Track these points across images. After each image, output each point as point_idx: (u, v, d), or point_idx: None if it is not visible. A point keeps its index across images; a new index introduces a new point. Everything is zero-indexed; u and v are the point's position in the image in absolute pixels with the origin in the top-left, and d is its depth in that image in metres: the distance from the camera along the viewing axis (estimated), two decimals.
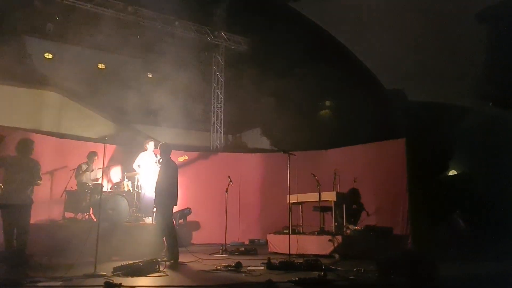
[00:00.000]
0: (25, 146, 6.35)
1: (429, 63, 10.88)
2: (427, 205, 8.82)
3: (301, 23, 12.60)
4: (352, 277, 5.07)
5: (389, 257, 5.36)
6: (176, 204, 6.91)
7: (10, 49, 11.56)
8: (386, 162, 9.49)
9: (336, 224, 8.14)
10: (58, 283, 4.41)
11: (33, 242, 7.29)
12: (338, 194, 8.17)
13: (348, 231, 7.99)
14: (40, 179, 6.44)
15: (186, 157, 8.90)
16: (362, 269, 5.41)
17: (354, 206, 8.74)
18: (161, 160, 6.97)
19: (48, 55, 13.64)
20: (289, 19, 12.57)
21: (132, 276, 4.95)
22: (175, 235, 6.69)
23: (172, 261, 6.27)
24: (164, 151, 6.99)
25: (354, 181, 8.93)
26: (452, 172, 11.02)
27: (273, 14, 12.72)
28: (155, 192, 6.82)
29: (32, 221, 6.94)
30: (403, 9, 10.74)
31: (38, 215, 7.67)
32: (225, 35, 13.09)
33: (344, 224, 8.04)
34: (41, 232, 7.18)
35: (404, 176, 9.04)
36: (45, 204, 8.58)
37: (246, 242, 10.39)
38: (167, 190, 6.73)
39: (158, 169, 7.03)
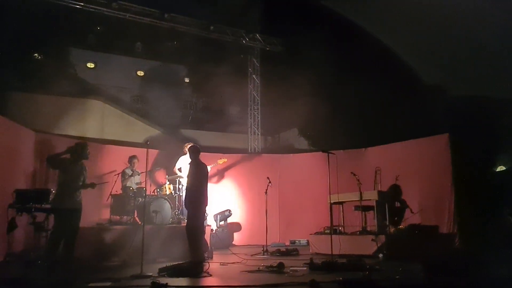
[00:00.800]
0: (81, 149, 6.30)
1: (472, 55, 10.46)
2: (474, 203, 8.46)
3: (336, 20, 12.45)
4: (397, 277, 4.95)
5: (436, 257, 5.20)
6: (205, 205, 6.92)
7: (56, 61, 12.14)
8: (430, 159, 9.19)
9: (378, 223, 7.97)
10: (107, 284, 4.55)
11: (81, 244, 7.60)
12: (380, 193, 8.01)
13: (392, 231, 7.80)
14: (92, 185, 6.43)
15: (225, 160, 9.00)
16: (408, 270, 5.27)
17: (397, 204, 8.53)
18: (190, 162, 7.00)
19: (90, 65, 14.21)
20: (323, 17, 12.44)
21: (177, 276, 5.05)
22: (200, 237, 6.64)
23: (194, 262, 6.10)
24: (193, 152, 7.03)
25: (396, 179, 8.71)
26: (501, 168, 10.54)
27: (307, 13, 12.65)
28: (185, 194, 6.87)
29: (80, 224, 7.22)
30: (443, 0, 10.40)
31: (85, 219, 7.96)
32: (259, 37, 13.14)
33: (387, 223, 7.86)
34: (89, 235, 7.46)
35: (449, 172, 8.72)
36: (92, 208, 8.91)
37: (287, 243, 10.36)
38: (196, 192, 6.75)
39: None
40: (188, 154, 9.08)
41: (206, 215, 7.41)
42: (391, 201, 8.19)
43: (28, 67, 11.77)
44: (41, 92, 11.34)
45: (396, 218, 8.32)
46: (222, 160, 8.56)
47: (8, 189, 6.68)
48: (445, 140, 8.99)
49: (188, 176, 6.94)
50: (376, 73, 11.27)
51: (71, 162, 6.16)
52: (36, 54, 12.65)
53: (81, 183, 6.13)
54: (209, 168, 7.75)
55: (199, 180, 6.84)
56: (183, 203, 7.03)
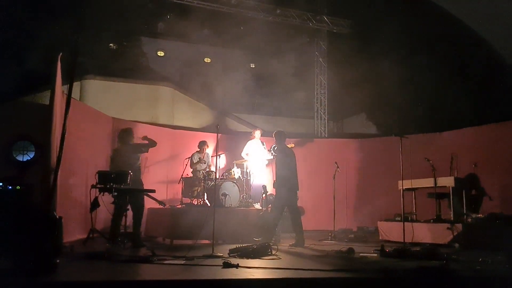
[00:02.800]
0: (125, 134, 6.82)
1: None
2: None
3: None
4: (478, 267, 4.67)
5: None
6: (296, 190, 7.08)
7: (130, 50, 12.74)
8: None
9: (454, 211, 7.55)
10: (182, 262, 4.74)
11: (155, 224, 8.01)
12: (456, 179, 7.57)
13: (469, 219, 7.36)
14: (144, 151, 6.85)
15: (293, 145, 8.95)
16: (489, 260, 4.94)
17: (474, 191, 8.04)
18: (276, 147, 7.10)
19: (160, 53, 14.74)
20: None
21: (247, 258, 5.13)
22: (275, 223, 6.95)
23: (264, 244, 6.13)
24: (279, 138, 7.10)
25: (475, 166, 8.18)
26: None
27: None
28: (275, 180, 7.02)
29: (154, 206, 7.60)
30: None
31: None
32: (327, 19, 12.82)
33: (464, 211, 7.43)
34: (162, 216, 7.83)
35: None
36: (164, 190, 9.33)
37: (354, 229, 10.16)
38: (285, 179, 6.84)
39: (271, 157, 7.17)
40: (255, 139, 9.21)
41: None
42: (468, 188, 7.73)
43: (105, 57, 12.45)
44: (116, 80, 11.97)
45: (473, 206, 7.85)
46: (290, 145, 8.53)
47: (90, 170, 7.19)
48: None
49: (275, 163, 7.06)
50: (452, 53, 10.60)
51: (121, 147, 6.69)
52: (111, 44, 13.34)
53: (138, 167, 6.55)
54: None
55: (288, 166, 6.96)
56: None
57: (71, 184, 7.24)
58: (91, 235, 6.33)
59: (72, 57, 5.81)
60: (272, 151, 7.31)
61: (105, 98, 11.40)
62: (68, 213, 7.17)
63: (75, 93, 7.92)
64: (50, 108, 5.79)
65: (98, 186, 5.58)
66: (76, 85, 10.96)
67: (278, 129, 7.65)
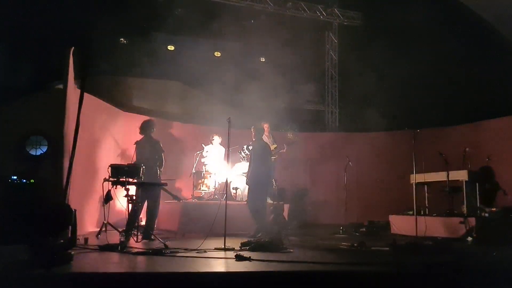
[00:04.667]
0: (147, 126, 6.89)
1: None
2: None
3: None
4: (493, 262, 4.62)
5: None
6: (264, 183, 7.23)
7: (140, 44, 12.75)
8: None
9: (468, 205, 7.47)
10: (194, 254, 4.77)
11: (167, 218, 8.06)
12: (470, 173, 7.49)
13: (483, 213, 7.28)
14: (162, 160, 6.89)
15: (291, 136, 9.00)
16: (503, 254, 4.89)
17: (488, 185, 7.93)
18: (249, 147, 7.31)
19: (171, 47, 14.71)
20: None
21: (259, 251, 5.14)
22: (263, 213, 7.14)
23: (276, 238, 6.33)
24: (259, 133, 7.42)
25: (488, 159, 8.09)
26: None
27: None
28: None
29: (167, 199, 7.64)
30: None
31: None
32: (338, 11, 12.71)
33: (478, 205, 7.35)
34: (174, 210, 7.88)
35: None
36: (176, 184, 9.37)
37: (365, 223, 10.12)
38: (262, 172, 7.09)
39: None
40: (259, 134, 9.21)
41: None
42: (482, 182, 7.64)
43: (116, 51, 12.48)
44: (127, 74, 12.00)
45: (487, 200, 7.76)
46: (291, 133, 8.63)
47: (103, 164, 7.26)
48: None
49: (254, 158, 7.20)
50: (465, 45, 10.43)
51: (145, 139, 6.76)
52: (122, 39, 13.35)
53: (156, 160, 6.60)
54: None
55: (263, 159, 7.05)
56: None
57: (84, 178, 7.31)
58: (104, 228, 6.39)
59: (84, 51, 5.85)
60: (246, 151, 7.51)
61: (118, 93, 11.45)
62: (82, 206, 7.26)
63: (88, 88, 7.98)
64: (62, 102, 5.84)
65: (111, 179, 5.63)
66: (89, 80, 11.01)
67: (257, 123, 7.80)
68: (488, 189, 7.89)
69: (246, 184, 7.46)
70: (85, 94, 5.46)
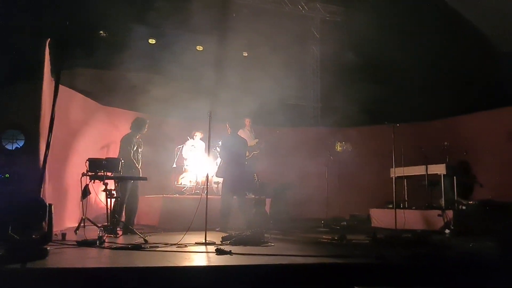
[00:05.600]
0: (141, 124, 6.81)
1: None
2: None
3: None
4: (469, 253, 4.71)
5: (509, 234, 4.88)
6: (223, 177, 7.43)
7: (120, 38, 12.53)
8: (503, 132, 8.59)
9: (446, 198, 7.61)
10: (174, 249, 4.72)
11: (148, 213, 7.98)
12: (448, 166, 7.62)
13: (460, 206, 7.42)
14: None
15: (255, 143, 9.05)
16: (479, 246, 4.99)
17: (465, 179, 8.09)
18: (220, 144, 7.45)
19: (152, 41, 14.51)
20: None
21: (239, 245, 5.13)
22: (228, 207, 7.24)
23: (218, 229, 6.78)
24: (234, 127, 7.61)
25: (465, 153, 8.23)
26: None
27: None
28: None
29: (148, 194, 7.56)
30: None
31: (152, 189, 8.33)
32: (320, 6, 12.72)
33: (456, 198, 7.49)
34: (155, 204, 7.80)
35: None
36: (157, 179, 9.27)
37: (347, 217, 10.21)
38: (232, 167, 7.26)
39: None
40: (234, 129, 9.19)
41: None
42: (459, 175, 7.78)
43: (95, 44, 12.23)
44: (107, 68, 11.79)
45: (464, 193, 7.91)
46: (254, 141, 8.74)
47: (81, 158, 7.12)
48: None
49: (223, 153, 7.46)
50: (444, 41, 10.58)
51: (131, 135, 6.73)
52: (101, 32, 13.10)
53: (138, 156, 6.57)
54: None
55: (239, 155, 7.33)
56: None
57: (63, 172, 7.17)
58: (82, 224, 6.28)
59: (61, 43, 5.71)
60: (217, 147, 7.61)
61: (97, 86, 11.24)
62: (61, 202, 7.13)
63: (64, 80, 7.81)
64: (38, 96, 5.71)
65: (89, 174, 5.53)
66: (66, 73, 10.79)
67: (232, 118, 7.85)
68: (466, 182, 8.04)
69: (217, 176, 7.63)
70: (63, 88, 5.35)
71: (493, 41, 10.86)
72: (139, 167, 6.77)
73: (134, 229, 6.17)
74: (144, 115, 9.62)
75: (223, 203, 7.28)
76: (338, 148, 8.59)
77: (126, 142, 6.69)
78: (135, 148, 6.69)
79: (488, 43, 10.82)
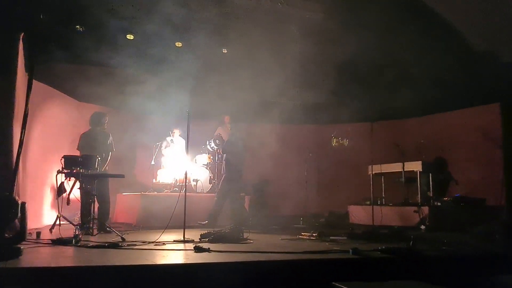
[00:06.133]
0: (97, 118, 6.70)
1: None
2: None
3: None
4: (444, 248, 4.81)
5: (482, 229, 5.01)
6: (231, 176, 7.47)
7: (97, 32, 12.29)
8: (478, 130, 8.80)
9: (421, 194, 7.76)
10: (152, 247, 4.68)
11: (125, 211, 7.89)
12: (424, 163, 7.77)
13: (436, 202, 7.58)
14: (112, 150, 6.77)
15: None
16: (454, 241, 5.11)
17: (441, 176, 8.27)
18: (217, 141, 7.43)
19: (130, 36, 14.29)
20: None
21: (218, 242, 5.12)
22: (222, 205, 7.35)
23: (207, 222, 6.98)
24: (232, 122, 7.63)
25: (441, 150, 8.42)
26: None
27: None
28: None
29: (125, 192, 7.46)
30: None
31: (129, 187, 8.22)
32: (299, 3, 12.69)
33: (431, 194, 7.64)
34: (132, 202, 7.71)
35: (499, 143, 8.31)
36: (135, 176, 9.17)
37: (326, 214, 10.30)
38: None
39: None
40: (226, 125, 9.16)
41: None
42: (435, 172, 7.95)
43: (71, 39, 11.96)
44: (83, 63, 11.54)
45: (440, 190, 8.09)
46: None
47: (56, 155, 6.97)
48: (496, 109, 8.55)
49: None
50: (421, 39, 10.72)
51: (92, 131, 6.65)
52: (78, 26, 12.82)
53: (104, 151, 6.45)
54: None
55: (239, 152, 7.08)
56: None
57: (40, 171, 7.02)
58: (58, 222, 6.16)
59: (35, 37, 5.56)
60: (212, 144, 7.58)
61: (72, 81, 11.01)
62: (37, 200, 6.97)
63: (40, 76, 7.61)
64: (11, 91, 5.55)
65: (64, 171, 5.42)
66: (42, 68, 10.55)
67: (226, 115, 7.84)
68: (441, 179, 8.22)
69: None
70: (39, 84, 5.22)
71: (469, 41, 11.08)
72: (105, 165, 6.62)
73: (111, 227, 6.09)
74: (122, 112, 9.51)
75: (218, 200, 7.25)
76: (334, 143, 8.59)
77: (83, 138, 6.58)
78: (96, 144, 6.54)
79: (464, 42, 11.03)
